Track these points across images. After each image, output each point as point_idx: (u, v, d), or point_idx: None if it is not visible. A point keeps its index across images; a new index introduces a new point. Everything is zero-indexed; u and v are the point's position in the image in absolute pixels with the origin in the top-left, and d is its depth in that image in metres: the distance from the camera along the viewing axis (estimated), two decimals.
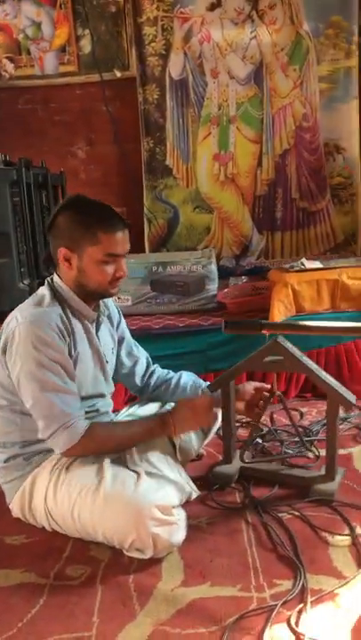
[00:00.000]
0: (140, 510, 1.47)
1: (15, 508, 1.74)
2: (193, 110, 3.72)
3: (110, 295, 1.79)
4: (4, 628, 1.31)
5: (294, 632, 1.25)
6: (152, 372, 2.06)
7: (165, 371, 2.08)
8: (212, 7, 3.60)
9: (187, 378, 2.06)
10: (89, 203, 1.71)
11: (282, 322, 2.33)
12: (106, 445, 1.66)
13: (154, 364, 2.09)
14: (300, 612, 1.31)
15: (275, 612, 1.30)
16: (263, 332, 1.65)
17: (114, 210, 1.71)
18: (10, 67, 3.73)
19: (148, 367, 2.06)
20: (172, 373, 2.07)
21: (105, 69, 3.70)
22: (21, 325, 1.61)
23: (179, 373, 2.07)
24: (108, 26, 3.68)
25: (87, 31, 3.68)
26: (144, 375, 2.04)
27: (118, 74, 3.72)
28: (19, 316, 1.65)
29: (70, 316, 1.72)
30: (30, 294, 2.76)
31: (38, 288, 2.46)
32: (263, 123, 3.75)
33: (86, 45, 3.70)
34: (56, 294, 1.73)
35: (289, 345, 1.75)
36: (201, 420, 1.80)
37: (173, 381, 2.03)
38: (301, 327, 1.81)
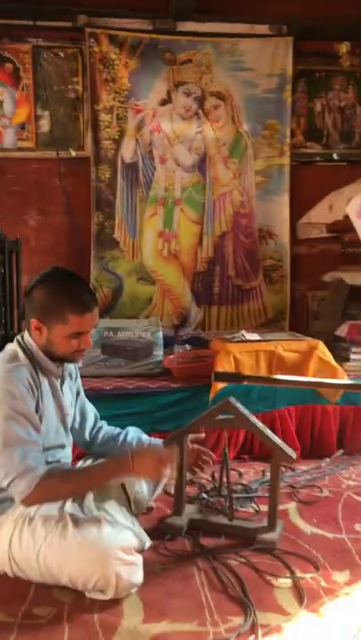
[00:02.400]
0: (106, 551, 1.60)
1: None
2: (142, 191, 4.03)
3: (74, 361, 1.96)
4: None
5: None
6: (100, 428, 2.20)
7: (112, 427, 2.23)
8: (163, 102, 3.99)
9: (133, 434, 2.21)
10: (64, 280, 1.84)
11: (261, 375, 2.58)
12: (61, 491, 1.76)
13: (102, 421, 2.23)
14: None
15: None
16: (244, 382, 1.87)
17: (87, 287, 1.87)
18: None
19: (96, 422, 2.20)
20: (118, 429, 2.21)
21: (61, 148, 3.97)
22: None
23: (126, 430, 2.21)
24: (67, 110, 3.99)
25: (47, 112, 3.96)
26: (92, 430, 2.18)
27: (73, 153, 4.01)
28: None
29: (38, 372, 1.86)
30: None
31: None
32: (205, 206, 4.11)
33: (45, 125, 3.98)
34: (26, 352, 1.87)
35: (239, 405, 1.97)
36: (160, 472, 1.83)
37: (121, 437, 2.17)
38: (276, 380, 2.04)
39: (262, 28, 4.03)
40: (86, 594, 1.65)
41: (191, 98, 4.02)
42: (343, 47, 4.03)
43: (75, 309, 1.77)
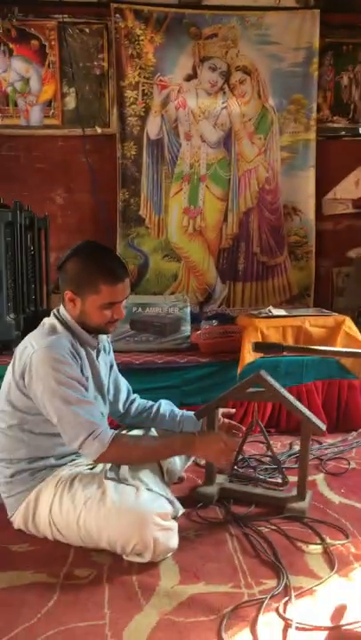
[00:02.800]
0: (144, 516, 1.66)
1: (18, 520, 1.88)
2: (167, 167, 4.05)
3: (107, 332, 2.00)
4: (25, 619, 1.46)
5: (283, 618, 1.46)
6: (133, 400, 2.25)
7: (145, 400, 2.28)
8: (188, 78, 3.99)
9: (165, 407, 2.25)
10: (96, 252, 1.89)
11: (300, 345, 2.66)
12: (132, 454, 1.82)
13: (134, 394, 2.29)
14: (286, 603, 1.52)
15: (265, 603, 1.51)
16: (283, 353, 1.93)
17: (118, 259, 1.91)
18: None
19: (129, 395, 2.25)
20: (151, 402, 2.26)
21: (87, 125, 4.00)
22: (38, 351, 1.79)
23: (158, 402, 2.26)
24: (93, 86, 4.00)
25: (72, 89, 3.98)
26: (125, 402, 2.23)
27: (99, 130, 4.03)
28: (34, 343, 1.83)
29: (76, 342, 1.91)
30: (17, 327, 2.95)
31: (23, 322, 2.66)
32: (230, 183, 4.12)
33: (71, 102, 4.00)
34: (63, 324, 1.92)
35: (270, 378, 2.01)
36: (222, 458, 1.90)
37: (154, 409, 2.22)
38: (315, 350, 2.07)
39: (289, 1, 4.00)
40: (124, 557, 1.71)
41: (217, 72, 4.00)
42: None
43: (107, 280, 1.81)
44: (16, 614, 1.48)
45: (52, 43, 3.93)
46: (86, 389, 1.82)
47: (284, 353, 2.00)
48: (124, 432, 1.92)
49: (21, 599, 1.55)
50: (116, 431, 1.82)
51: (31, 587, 1.61)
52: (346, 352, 2.33)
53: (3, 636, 1.40)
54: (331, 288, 4.31)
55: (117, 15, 3.86)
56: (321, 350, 2.03)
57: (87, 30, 3.94)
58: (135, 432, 2.18)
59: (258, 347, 2.00)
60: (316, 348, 2.02)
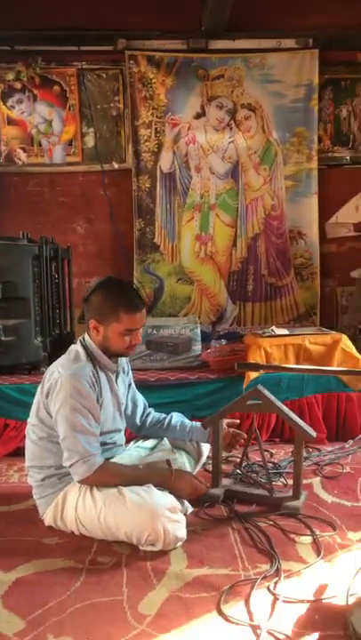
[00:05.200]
0: (155, 509, 1.95)
1: (48, 518, 2.18)
2: (179, 198, 4.38)
3: (127, 356, 2.32)
4: (57, 595, 1.75)
5: (273, 594, 1.73)
6: (148, 414, 2.55)
7: (159, 413, 2.58)
8: (197, 116, 4.33)
9: (176, 419, 2.55)
10: (117, 286, 2.19)
11: (274, 364, 2.94)
12: (113, 480, 2.08)
13: (150, 408, 2.59)
14: (276, 582, 1.79)
15: (258, 582, 1.78)
16: (261, 371, 2.20)
17: (136, 292, 2.19)
18: (23, 155, 4.34)
19: (145, 409, 2.56)
20: (164, 415, 2.56)
21: (105, 161, 4.36)
22: (63, 377, 2.10)
23: (170, 415, 2.56)
24: (110, 126, 4.37)
25: (91, 129, 4.35)
26: (142, 416, 2.54)
27: (116, 165, 4.38)
28: (60, 370, 2.14)
29: (98, 368, 2.21)
30: (43, 349, 3.27)
31: (50, 345, 2.97)
32: (238, 211, 4.43)
33: (90, 141, 4.37)
34: (87, 351, 2.22)
35: (266, 392, 2.29)
36: (190, 496, 2.22)
37: (166, 421, 2.52)
38: (288, 368, 2.35)
39: (289, 42, 4.33)
40: (140, 547, 2.00)
41: (224, 110, 4.34)
42: None
43: (127, 309, 2.12)
44: (49, 592, 1.77)
45: (73, 88, 4.31)
46: (96, 418, 2.11)
47: (262, 371, 2.27)
48: (111, 461, 2.20)
49: (53, 580, 1.84)
50: (104, 460, 2.10)
51: (61, 571, 1.90)
52: (315, 369, 2.61)
53: (39, 609, 1.69)
54: (335, 306, 4.57)
55: (131, 61, 4.22)
56: (294, 368, 2.31)
57: (104, 75, 4.32)
58: (150, 442, 2.50)
59: (240, 366, 2.30)
60: (290, 366, 2.30)
